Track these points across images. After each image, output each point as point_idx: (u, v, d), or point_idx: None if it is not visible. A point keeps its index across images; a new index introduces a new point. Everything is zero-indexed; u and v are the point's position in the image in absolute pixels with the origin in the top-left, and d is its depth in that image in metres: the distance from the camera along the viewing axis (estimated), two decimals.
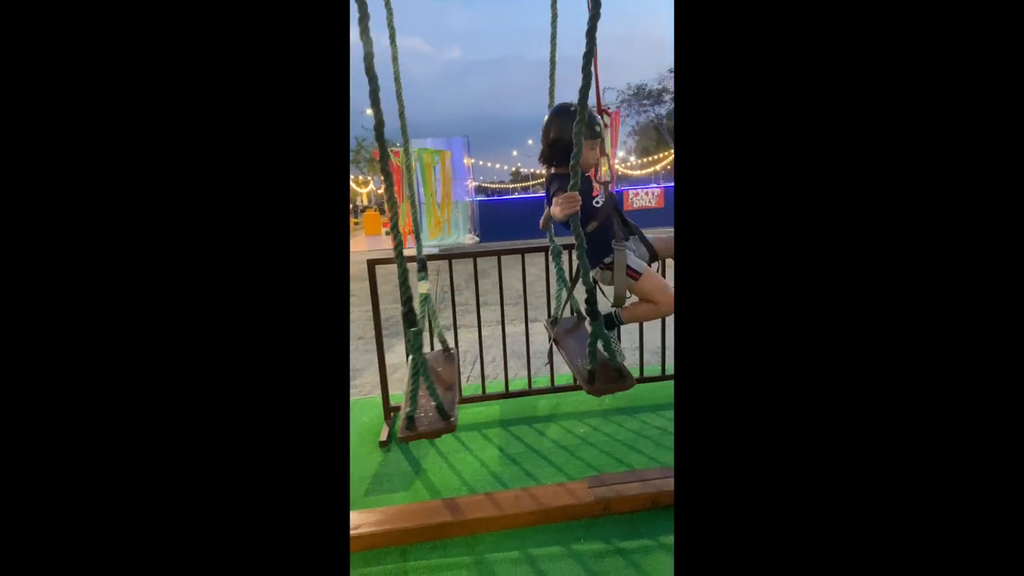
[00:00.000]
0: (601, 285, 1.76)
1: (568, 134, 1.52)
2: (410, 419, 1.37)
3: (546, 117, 1.69)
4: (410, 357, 1.37)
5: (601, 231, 1.65)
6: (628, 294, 1.67)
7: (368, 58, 1.07)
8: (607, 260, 1.66)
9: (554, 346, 1.89)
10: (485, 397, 2.52)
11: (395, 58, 1.75)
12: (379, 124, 1.16)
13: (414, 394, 1.38)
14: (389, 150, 1.22)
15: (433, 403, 1.38)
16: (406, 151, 1.87)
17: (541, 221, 1.85)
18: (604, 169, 1.72)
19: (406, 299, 1.29)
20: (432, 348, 2.18)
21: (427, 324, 1.99)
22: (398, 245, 1.28)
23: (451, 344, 2.01)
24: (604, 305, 1.56)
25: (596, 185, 1.69)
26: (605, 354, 1.49)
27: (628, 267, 1.64)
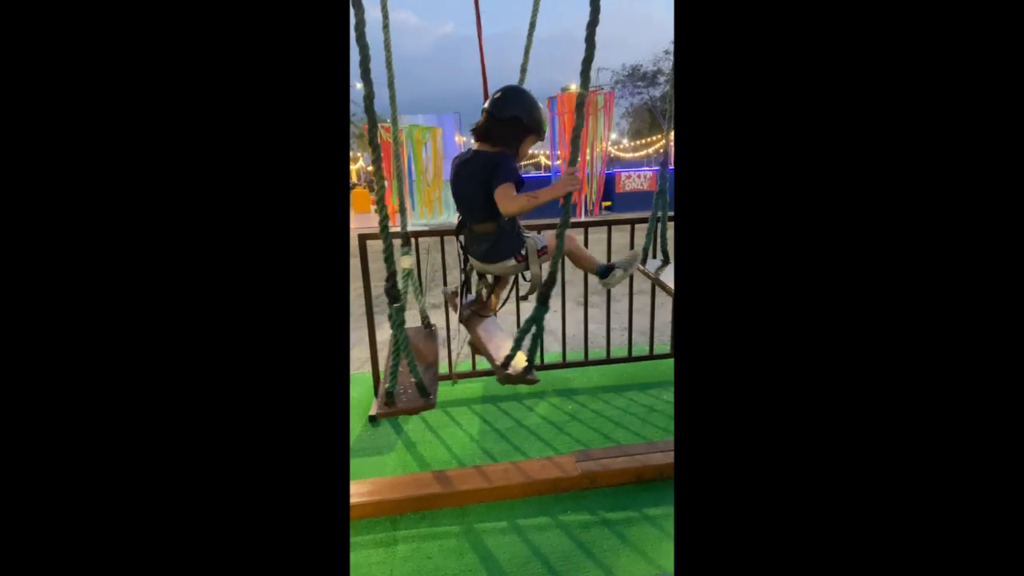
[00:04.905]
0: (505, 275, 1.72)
1: (531, 117, 1.51)
2: (389, 395, 1.37)
3: (505, 93, 1.55)
4: (392, 333, 1.37)
5: (516, 223, 1.62)
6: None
7: (359, 26, 1.03)
8: (523, 251, 1.62)
9: (465, 320, 1.77)
10: (475, 373, 2.55)
11: (386, 26, 1.68)
12: (369, 96, 1.14)
13: (395, 370, 1.37)
14: (380, 126, 1.21)
15: (413, 380, 1.38)
16: (394, 123, 1.81)
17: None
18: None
19: (389, 274, 1.29)
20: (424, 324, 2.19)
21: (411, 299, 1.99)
22: (383, 219, 1.27)
23: (433, 321, 2.01)
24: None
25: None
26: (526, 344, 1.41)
27: (537, 249, 1.62)
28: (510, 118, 1.52)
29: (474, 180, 1.52)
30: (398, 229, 1.81)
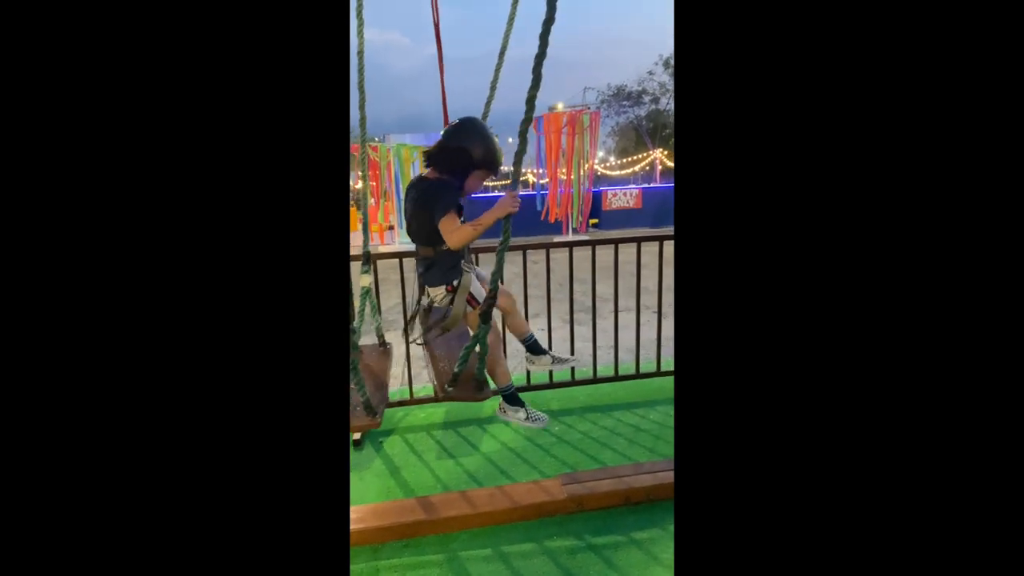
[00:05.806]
0: (434, 302, 1.67)
1: (482, 150, 1.50)
2: None
3: (461, 123, 1.55)
4: None
5: (461, 253, 1.58)
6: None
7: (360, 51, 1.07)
8: (455, 282, 1.58)
9: (424, 337, 1.73)
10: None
11: (360, 52, 1.69)
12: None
13: None
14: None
15: (361, 399, 1.38)
16: (363, 143, 1.80)
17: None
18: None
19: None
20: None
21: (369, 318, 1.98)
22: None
23: (388, 340, 1.99)
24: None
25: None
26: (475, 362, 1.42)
27: (470, 293, 1.57)
28: (457, 148, 1.51)
29: (415, 206, 1.54)
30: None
